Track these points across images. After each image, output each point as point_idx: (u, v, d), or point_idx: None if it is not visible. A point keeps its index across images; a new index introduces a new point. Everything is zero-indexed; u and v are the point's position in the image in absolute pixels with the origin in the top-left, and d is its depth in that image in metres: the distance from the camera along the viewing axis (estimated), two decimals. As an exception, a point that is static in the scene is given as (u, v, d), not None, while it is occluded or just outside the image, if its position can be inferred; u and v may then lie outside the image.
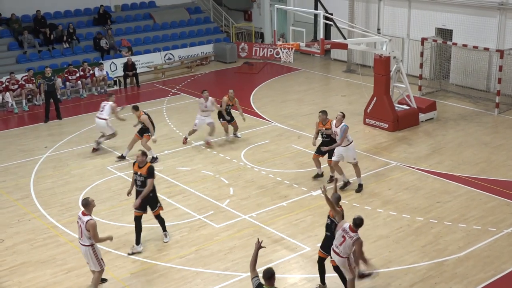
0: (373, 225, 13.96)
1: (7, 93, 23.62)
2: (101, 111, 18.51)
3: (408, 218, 14.29)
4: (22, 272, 12.40)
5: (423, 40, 24.06)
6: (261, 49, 31.74)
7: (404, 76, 20.74)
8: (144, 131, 17.66)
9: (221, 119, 19.27)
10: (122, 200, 15.48)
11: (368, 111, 20.70)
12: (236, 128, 19.61)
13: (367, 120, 20.80)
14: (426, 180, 16.36)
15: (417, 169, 17.06)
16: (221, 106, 19.15)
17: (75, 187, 16.45)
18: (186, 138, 19.31)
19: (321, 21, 18.56)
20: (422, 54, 24.14)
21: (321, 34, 18.56)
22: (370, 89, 21.27)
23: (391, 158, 17.89)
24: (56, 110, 22.51)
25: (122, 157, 18.10)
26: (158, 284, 11.90)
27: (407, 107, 20.94)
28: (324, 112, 15.70)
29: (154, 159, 17.81)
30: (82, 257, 12.72)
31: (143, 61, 28.77)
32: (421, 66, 24.18)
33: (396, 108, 20.61)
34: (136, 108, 17.69)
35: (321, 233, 13.52)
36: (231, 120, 19.39)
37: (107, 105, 18.49)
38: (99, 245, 11.48)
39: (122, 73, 27.10)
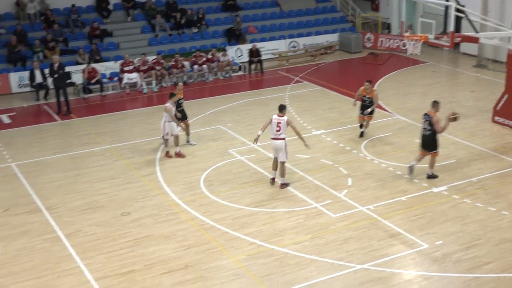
0: (497, 227, 13.39)
1: (137, 74, 24.81)
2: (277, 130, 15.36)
3: (536, 223, 13.60)
4: (145, 244, 13.05)
5: None
6: (387, 40, 31.18)
7: (540, 74, 19.63)
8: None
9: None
10: (241, 183, 15.87)
11: (497, 108, 19.81)
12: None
13: (496, 118, 19.91)
14: (558, 184, 15.48)
15: (549, 172, 16.17)
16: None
17: (197, 167, 17.03)
18: None
19: (452, 13, 18.06)
20: (562, 50, 22.73)
21: (451, 27, 18.06)
22: (501, 86, 20.32)
23: (520, 159, 17.08)
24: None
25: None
26: (273, 268, 12.10)
27: (542, 107, 19.83)
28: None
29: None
30: (202, 235, 13.27)
31: (268, 48, 29.16)
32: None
33: (530, 107, 19.59)
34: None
35: (441, 231, 13.27)
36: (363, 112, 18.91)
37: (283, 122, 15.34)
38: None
39: (247, 59, 27.65)
